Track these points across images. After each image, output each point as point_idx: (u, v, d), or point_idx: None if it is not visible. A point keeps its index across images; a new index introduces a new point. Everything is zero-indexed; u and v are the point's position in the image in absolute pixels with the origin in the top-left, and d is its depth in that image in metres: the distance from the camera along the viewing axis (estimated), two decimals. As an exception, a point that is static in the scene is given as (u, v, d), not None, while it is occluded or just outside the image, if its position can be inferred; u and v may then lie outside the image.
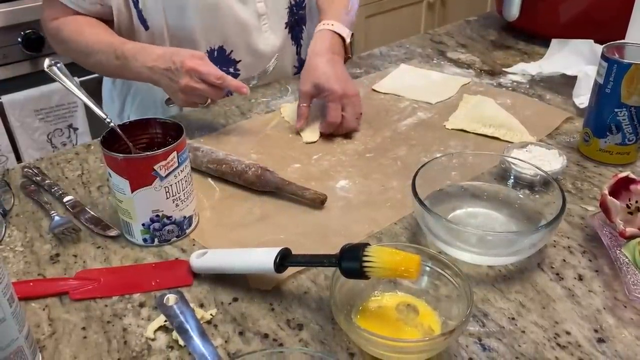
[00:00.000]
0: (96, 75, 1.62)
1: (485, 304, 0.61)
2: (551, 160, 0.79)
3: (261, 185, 0.78)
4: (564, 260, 0.66)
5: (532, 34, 1.29)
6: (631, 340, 0.56)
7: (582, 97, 0.98)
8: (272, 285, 0.63)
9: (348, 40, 1.00)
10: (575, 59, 1.11)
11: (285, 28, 1.10)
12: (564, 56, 1.14)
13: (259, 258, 0.61)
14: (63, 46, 0.99)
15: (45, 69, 0.73)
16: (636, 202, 0.66)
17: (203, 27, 1.00)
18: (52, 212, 0.75)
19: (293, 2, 1.09)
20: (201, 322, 0.58)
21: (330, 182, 0.81)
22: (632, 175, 0.67)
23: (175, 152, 0.65)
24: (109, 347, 0.57)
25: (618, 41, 0.82)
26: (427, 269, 0.59)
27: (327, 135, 0.92)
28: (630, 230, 0.63)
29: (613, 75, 0.77)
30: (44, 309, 0.61)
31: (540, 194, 0.71)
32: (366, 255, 0.54)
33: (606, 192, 0.66)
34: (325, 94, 0.91)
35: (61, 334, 0.58)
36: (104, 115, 0.71)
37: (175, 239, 0.70)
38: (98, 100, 1.17)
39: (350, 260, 0.55)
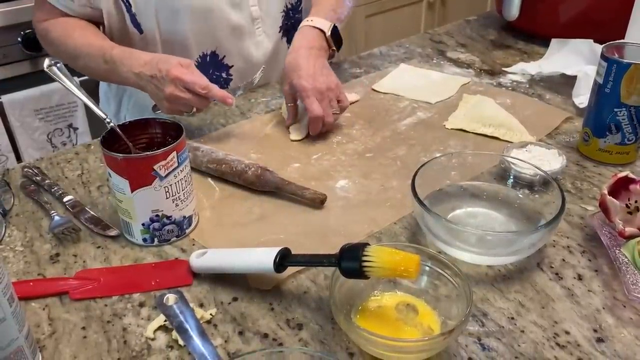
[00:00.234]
0: (96, 75, 1.61)
1: (485, 303, 0.61)
2: (551, 160, 0.80)
3: (261, 185, 0.78)
4: (564, 260, 0.66)
5: (531, 33, 1.29)
6: (630, 339, 0.56)
7: (582, 97, 0.98)
8: (271, 285, 0.63)
9: (328, 32, 0.97)
10: (575, 59, 1.11)
11: (280, 32, 1.10)
12: (563, 56, 1.14)
13: (259, 258, 0.61)
14: (52, 48, 0.98)
15: (45, 69, 0.73)
16: (635, 201, 0.66)
17: (196, 31, 0.99)
18: (52, 212, 0.75)
19: (289, 6, 1.09)
20: (201, 321, 0.58)
21: (330, 182, 0.81)
22: (632, 175, 0.67)
23: (175, 152, 0.65)
24: (108, 346, 0.57)
25: (618, 41, 0.82)
26: (427, 268, 0.59)
27: (326, 136, 0.92)
28: (629, 230, 0.63)
29: (612, 75, 0.77)
30: (43, 309, 0.61)
31: (539, 193, 0.71)
32: (366, 255, 0.54)
33: (605, 191, 0.66)
34: (297, 91, 0.90)
35: (61, 333, 0.58)
36: (103, 115, 0.71)
37: (175, 238, 0.70)
38: (97, 100, 1.17)
39: (350, 260, 0.55)
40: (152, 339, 0.57)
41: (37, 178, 0.82)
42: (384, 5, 2.27)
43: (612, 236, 0.66)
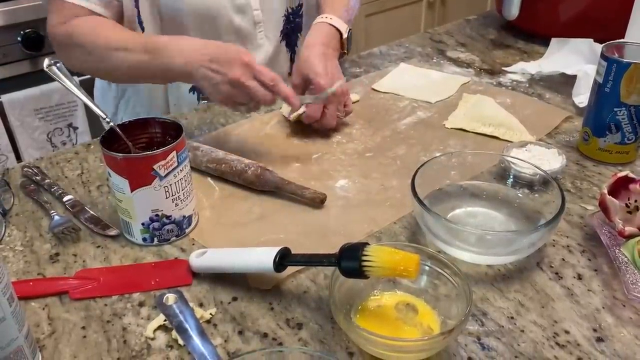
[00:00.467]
0: (96, 74, 1.62)
1: (485, 303, 0.61)
2: (550, 160, 0.80)
3: (261, 184, 0.78)
4: (563, 260, 0.66)
5: (531, 33, 1.29)
6: (630, 339, 0.56)
7: (582, 97, 0.98)
8: (271, 285, 0.63)
9: (345, 35, 0.98)
10: (575, 58, 1.11)
11: (280, 36, 1.10)
12: (563, 55, 1.14)
13: (259, 257, 0.61)
14: (78, 50, 0.90)
15: (45, 69, 0.73)
16: (635, 201, 0.66)
17: (199, 36, 0.99)
18: (52, 211, 0.75)
19: (290, 10, 1.09)
20: (200, 321, 0.58)
21: (330, 182, 0.81)
22: (632, 175, 0.67)
23: (174, 151, 0.65)
24: (108, 346, 0.57)
25: (617, 40, 0.82)
26: (427, 268, 0.59)
27: (326, 135, 0.92)
28: (629, 229, 0.63)
29: (612, 75, 0.77)
30: (43, 309, 0.61)
31: (539, 193, 0.71)
32: (365, 255, 0.54)
33: (605, 191, 0.66)
34: (312, 87, 0.90)
35: (61, 333, 0.58)
36: (103, 115, 0.71)
37: (174, 238, 0.70)
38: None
39: (350, 260, 0.55)
40: (152, 339, 0.57)
41: (37, 178, 0.82)
42: (384, 4, 2.27)
43: (612, 236, 0.66)
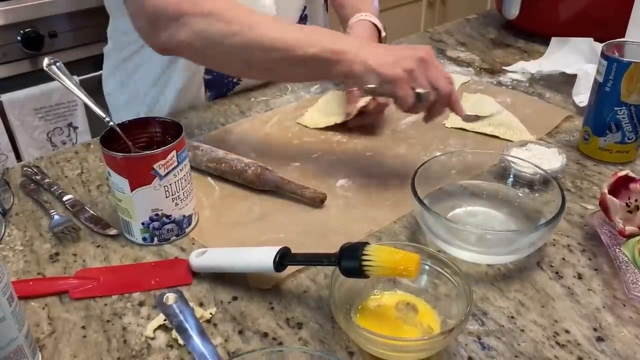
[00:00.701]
0: (95, 74, 1.62)
1: (485, 302, 0.61)
2: (551, 159, 0.79)
3: (261, 184, 0.78)
4: (564, 259, 0.66)
5: (531, 32, 1.29)
6: (630, 338, 0.56)
7: (582, 96, 0.98)
8: (271, 284, 0.63)
9: (384, 33, 0.99)
10: (575, 58, 1.11)
11: None
12: (563, 55, 1.14)
13: (259, 257, 0.61)
14: (226, 41, 0.75)
15: (45, 68, 0.73)
16: (635, 200, 0.66)
17: None
18: (52, 211, 0.75)
19: (303, 15, 1.09)
20: (201, 321, 0.58)
21: (330, 181, 0.81)
22: (632, 174, 0.67)
23: (174, 151, 0.65)
24: (108, 346, 0.57)
25: (618, 39, 0.82)
26: (427, 267, 0.59)
27: (328, 133, 0.92)
28: (629, 228, 0.63)
29: (613, 74, 0.77)
30: (43, 308, 0.61)
31: (539, 192, 0.71)
32: (365, 254, 0.54)
33: (606, 190, 0.66)
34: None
35: (61, 333, 0.58)
36: (103, 114, 0.71)
37: (174, 238, 0.70)
38: (97, 99, 1.17)
39: (350, 259, 0.55)
40: (152, 338, 0.57)
41: (37, 177, 0.82)
42: (384, 3, 2.26)
43: (612, 235, 0.66)
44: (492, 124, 0.92)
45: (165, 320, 0.58)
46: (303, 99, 1.04)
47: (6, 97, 1.53)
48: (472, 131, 0.92)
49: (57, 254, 0.69)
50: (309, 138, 0.92)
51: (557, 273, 0.64)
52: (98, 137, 0.69)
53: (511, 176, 0.74)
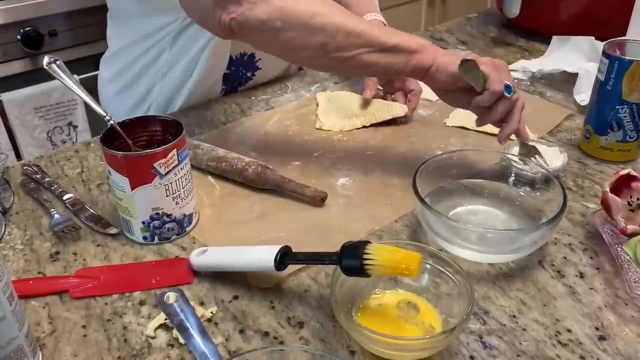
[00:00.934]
0: (96, 72, 1.62)
1: (486, 301, 0.61)
2: (552, 158, 0.79)
3: (261, 183, 0.77)
4: (565, 258, 0.66)
5: (532, 31, 1.29)
6: (632, 337, 0.56)
7: (583, 94, 0.98)
8: (272, 283, 0.63)
9: None
10: (576, 56, 1.10)
11: None
12: (564, 53, 1.14)
13: (259, 256, 0.61)
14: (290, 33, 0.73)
15: (45, 66, 0.73)
16: (637, 199, 0.66)
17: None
18: (52, 210, 0.75)
19: None
20: (201, 320, 0.58)
21: (331, 180, 0.81)
22: (634, 173, 0.67)
23: (175, 149, 0.65)
24: (109, 345, 0.57)
25: (619, 38, 0.82)
26: (428, 266, 0.59)
27: (329, 132, 0.92)
28: (631, 227, 0.63)
29: (614, 72, 0.77)
30: (44, 307, 0.61)
31: (541, 191, 0.71)
32: (367, 253, 0.54)
33: (607, 189, 0.66)
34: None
35: (61, 332, 0.58)
36: (103, 113, 0.71)
37: (175, 236, 0.70)
38: (97, 98, 1.17)
39: (351, 258, 0.55)
40: (153, 338, 0.57)
41: (37, 176, 0.82)
42: (384, 2, 2.26)
43: (614, 234, 0.66)
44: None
45: (165, 319, 0.58)
46: (303, 98, 1.04)
47: (6, 96, 1.53)
48: (473, 130, 0.92)
49: (57, 253, 0.69)
50: (309, 137, 0.92)
51: (558, 272, 0.64)
52: (98, 136, 0.68)
53: (512, 175, 0.74)
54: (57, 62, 0.73)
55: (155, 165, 0.64)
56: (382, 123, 0.95)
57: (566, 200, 0.63)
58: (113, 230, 0.71)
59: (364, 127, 0.94)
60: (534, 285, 0.62)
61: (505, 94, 0.73)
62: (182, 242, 0.70)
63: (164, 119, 0.71)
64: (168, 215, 0.68)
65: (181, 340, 0.56)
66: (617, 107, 0.79)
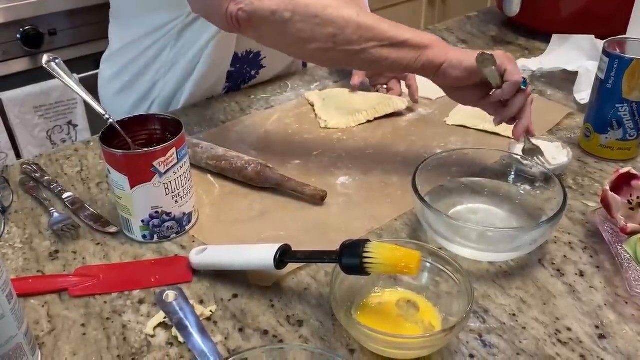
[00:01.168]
0: (95, 72, 1.61)
1: (486, 300, 0.60)
2: (555, 154, 0.79)
3: (261, 181, 0.77)
4: (565, 257, 0.66)
5: (532, 29, 1.29)
6: (632, 336, 0.56)
7: (583, 93, 0.97)
8: (272, 282, 0.63)
9: None
10: (576, 55, 1.10)
11: None
12: (564, 52, 1.14)
13: (259, 254, 0.61)
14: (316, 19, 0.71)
15: (44, 65, 0.73)
16: (637, 197, 0.66)
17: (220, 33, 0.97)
18: (52, 208, 0.74)
19: None
20: (201, 318, 0.58)
21: (331, 179, 0.81)
22: (634, 171, 0.67)
23: (174, 148, 0.65)
24: (108, 343, 0.56)
25: (619, 36, 0.82)
26: (428, 265, 0.59)
27: (328, 131, 0.92)
28: (631, 226, 0.63)
29: (614, 71, 0.77)
30: (43, 306, 0.61)
31: (541, 190, 0.70)
32: (366, 252, 0.54)
33: (607, 187, 0.66)
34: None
35: (60, 330, 0.58)
36: (102, 112, 0.71)
37: (174, 235, 0.70)
38: (97, 97, 1.16)
39: (351, 257, 0.55)
40: (152, 336, 0.57)
41: (37, 175, 0.82)
42: (384, 1, 2.27)
43: (614, 232, 0.66)
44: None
45: (165, 317, 0.58)
46: (303, 97, 1.04)
47: (6, 96, 1.53)
48: (473, 128, 0.92)
49: (56, 251, 0.69)
50: (309, 135, 0.92)
51: (558, 270, 0.64)
52: (98, 135, 0.68)
53: (512, 173, 0.74)
54: (57, 61, 0.73)
55: (155, 163, 0.64)
56: (383, 120, 0.95)
57: (566, 198, 0.63)
58: (112, 229, 0.71)
59: (368, 121, 0.94)
60: (534, 284, 0.62)
61: (521, 86, 0.73)
62: (182, 241, 0.70)
63: (163, 118, 0.71)
64: (167, 214, 0.68)
65: (180, 339, 0.56)
66: (617, 105, 0.79)
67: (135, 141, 0.70)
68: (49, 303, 0.61)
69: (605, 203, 0.66)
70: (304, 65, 1.18)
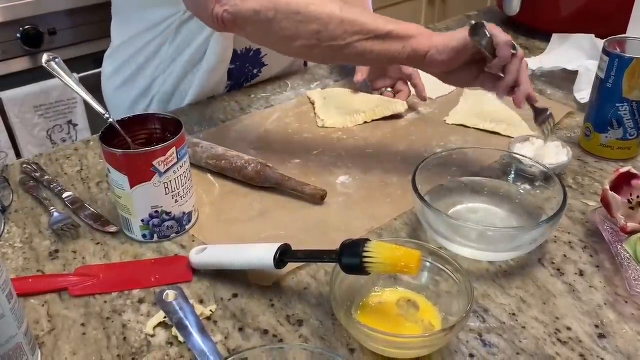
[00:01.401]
0: (95, 71, 1.61)
1: (486, 299, 0.60)
2: (555, 153, 0.79)
3: (261, 181, 0.77)
4: (565, 256, 0.66)
5: (532, 28, 1.29)
6: (632, 335, 0.56)
7: (583, 92, 0.97)
8: (272, 281, 0.63)
9: None
10: (577, 54, 1.10)
11: None
12: (565, 51, 1.14)
13: (259, 254, 0.61)
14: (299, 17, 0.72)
15: (44, 64, 0.73)
16: (637, 197, 0.66)
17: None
18: (52, 208, 0.74)
19: None
20: (201, 318, 0.58)
21: (330, 178, 0.80)
22: (634, 171, 0.67)
23: (174, 147, 0.65)
24: (108, 343, 0.56)
25: (619, 35, 0.82)
26: (428, 264, 0.59)
27: (328, 130, 0.92)
28: (631, 225, 0.63)
29: (614, 70, 0.77)
30: (43, 306, 0.61)
31: (541, 189, 0.70)
32: (366, 251, 0.54)
33: (607, 187, 0.66)
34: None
35: (60, 330, 0.58)
36: (102, 111, 0.71)
37: (174, 235, 0.70)
38: (97, 96, 1.16)
39: (351, 256, 0.55)
40: (152, 336, 0.57)
41: (36, 174, 0.82)
42: (384, 0, 2.27)
43: (614, 232, 0.66)
44: (494, 121, 0.92)
45: (165, 317, 0.58)
46: (303, 96, 1.04)
47: (6, 95, 1.53)
48: (473, 128, 0.92)
49: (56, 251, 0.69)
50: (309, 135, 0.92)
51: (558, 270, 0.64)
52: (98, 134, 0.68)
53: (512, 173, 0.74)
54: (56, 60, 0.73)
55: (155, 163, 0.64)
56: (383, 120, 0.95)
57: (566, 198, 0.63)
58: (112, 229, 0.71)
59: (365, 122, 0.94)
60: (534, 283, 0.62)
61: (512, 51, 0.72)
62: (182, 240, 0.70)
63: (163, 117, 0.71)
64: (167, 214, 0.68)
65: (180, 339, 0.56)
66: (617, 104, 0.79)
67: (135, 141, 0.70)
68: (49, 303, 0.61)
69: (605, 202, 0.66)
70: (305, 64, 1.18)
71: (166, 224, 0.68)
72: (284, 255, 0.60)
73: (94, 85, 1.16)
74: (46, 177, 0.81)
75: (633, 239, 0.62)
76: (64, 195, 0.77)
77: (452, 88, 1.05)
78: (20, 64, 1.56)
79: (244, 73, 1.06)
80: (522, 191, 0.72)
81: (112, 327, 0.58)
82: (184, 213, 0.69)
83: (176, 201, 0.68)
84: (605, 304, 0.60)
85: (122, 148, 0.66)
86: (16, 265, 0.67)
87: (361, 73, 1.01)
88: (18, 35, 1.52)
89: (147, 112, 0.76)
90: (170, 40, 0.98)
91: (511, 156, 0.75)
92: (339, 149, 0.88)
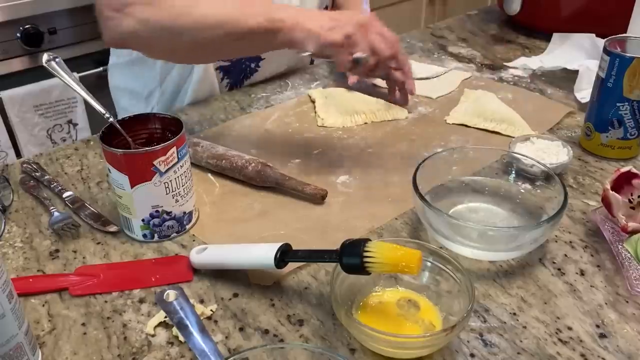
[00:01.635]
0: (95, 70, 1.61)
1: (487, 299, 0.60)
2: (555, 152, 0.79)
3: (261, 180, 0.77)
4: (566, 256, 0.66)
5: (533, 28, 1.29)
6: (633, 335, 0.56)
7: (584, 92, 0.97)
8: (272, 281, 0.63)
9: None
10: (577, 53, 1.10)
11: None
12: (565, 50, 1.14)
13: (259, 253, 0.61)
14: (168, 23, 0.76)
15: (44, 64, 0.73)
16: (638, 196, 0.66)
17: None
18: (52, 207, 0.74)
19: (323, 8, 1.09)
20: (201, 317, 0.58)
21: (331, 177, 0.80)
22: (634, 170, 0.67)
23: (174, 147, 0.65)
24: (108, 343, 0.56)
25: (620, 35, 0.82)
26: (428, 264, 0.59)
27: (328, 130, 0.92)
28: (632, 225, 0.63)
29: (615, 69, 0.77)
30: (43, 305, 0.61)
31: (541, 188, 0.70)
32: (367, 251, 0.54)
33: (608, 186, 0.66)
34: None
35: (61, 330, 0.58)
36: (103, 111, 0.71)
37: (175, 234, 0.70)
38: (97, 96, 1.16)
39: (351, 256, 0.55)
40: (153, 335, 0.57)
41: (37, 174, 0.82)
42: (384, 0, 2.26)
43: (615, 231, 0.66)
44: (494, 120, 0.92)
45: (165, 317, 0.58)
46: (303, 95, 1.04)
47: (6, 94, 1.53)
48: (474, 127, 0.92)
49: (57, 250, 0.69)
50: (309, 134, 0.92)
51: (559, 269, 0.64)
52: (98, 134, 0.68)
53: (513, 172, 0.74)
54: (57, 60, 0.73)
55: (155, 162, 0.64)
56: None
57: (567, 197, 0.63)
58: (113, 228, 0.71)
59: (365, 123, 0.94)
60: (535, 283, 0.62)
61: (358, 65, 0.75)
62: (182, 240, 0.70)
63: (163, 117, 0.71)
64: (168, 213, 0.68)
65: (181, 338, 0.56)
66: (617, 104, 0.79)
67: (136, 140, 0.70)
68: (50, 302, 0.61)
69: (606, 202, 0.66)
70: (312, 61, 1.18)
71: (166, 223, 0.68)
72: (285, 254, 0.60)
73: (94, 85, 1.17)
74: (46, 177, 0.81)
75: (634, 239, 0.62)
76: (64, 195, 0.77)
77: (452, 88, 1.05)
78: (20, 63, 1.56)
79: (242, 69, 1.06)
80: (522, 191, 0.72)
81: (112, 326, 0.58)
82: (184, 213, 0.69)
83: (176, 201, 0.68)
84: (606, 303, 0.60)
85: (122, 148, 0.66)
86: (16, 264, 0.67)
87: (352, 76, 1.01)
88: (18, 34, 1.52)
89: (147, 112, 0.77)
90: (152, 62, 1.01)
91: (512, 155, 0.74)
92: (339, 149, 0.88)
